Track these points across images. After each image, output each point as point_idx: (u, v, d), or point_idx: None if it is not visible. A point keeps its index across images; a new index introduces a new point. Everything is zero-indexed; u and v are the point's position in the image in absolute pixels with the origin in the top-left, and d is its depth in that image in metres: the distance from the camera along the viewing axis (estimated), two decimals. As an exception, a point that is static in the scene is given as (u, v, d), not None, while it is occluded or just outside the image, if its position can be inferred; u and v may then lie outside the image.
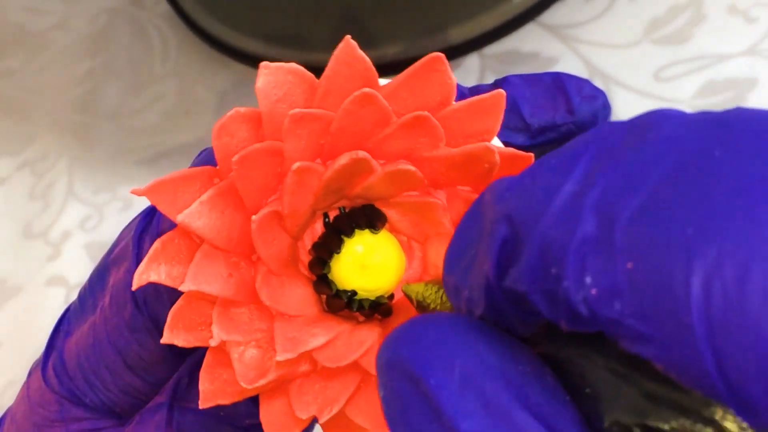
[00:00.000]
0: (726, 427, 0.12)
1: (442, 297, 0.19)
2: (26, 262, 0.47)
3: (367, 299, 0.22)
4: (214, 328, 0.20)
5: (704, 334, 0.11)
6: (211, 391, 0.20)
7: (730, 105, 0.29)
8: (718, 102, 0.42)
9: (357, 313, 0.22)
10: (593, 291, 0.12)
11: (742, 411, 0.11)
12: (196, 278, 0.20)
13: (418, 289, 0.20)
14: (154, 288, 0.24)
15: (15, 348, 0.45)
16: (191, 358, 0.24)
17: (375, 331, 0.22)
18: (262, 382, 0.20)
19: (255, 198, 0.21)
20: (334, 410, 0.21)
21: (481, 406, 0.13)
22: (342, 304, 0.22)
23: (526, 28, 0.46)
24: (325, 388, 0.21)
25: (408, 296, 0.21)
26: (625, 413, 0.12)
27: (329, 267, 0.22)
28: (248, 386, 0.20)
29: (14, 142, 0.51)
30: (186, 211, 0.20)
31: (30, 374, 0.27)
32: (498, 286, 0.14)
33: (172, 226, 0.22)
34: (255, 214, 0.21)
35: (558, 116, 0.25)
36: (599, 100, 0.26)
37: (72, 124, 0.51)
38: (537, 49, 0.45)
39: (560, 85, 0.26)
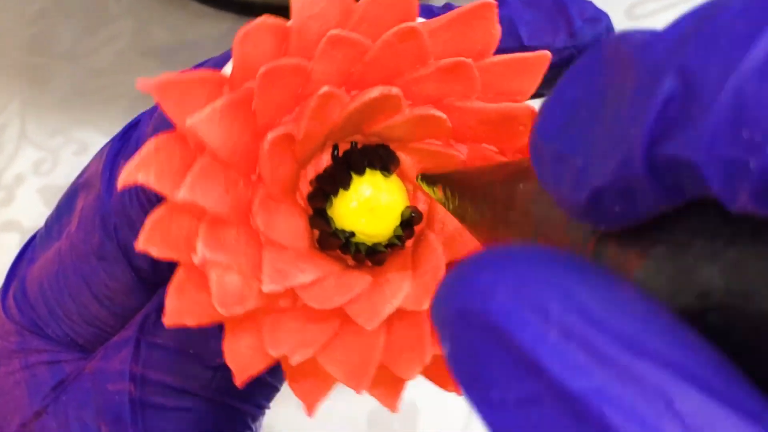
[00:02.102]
0: None
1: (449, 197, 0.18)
2: (-23, 207, 0.46)
3: (364, 243, 0.21)
4: (199, 245, 0.18)
5: None
6: (179, 308, 0.19)
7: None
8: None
9: (347, 257, 0.21)
10: None
11: None
12: (192, 188, 0.18)
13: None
14: (125, 214, 0.22)
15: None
16: (161, 292, 0.23)
17: (365, 279, 0.21)
18: (238, 310, 0.19)
19: (270, 115, 0.19)
20: (308, 354, 0.19)
21: (592, 360, 0.10)
22: (337, 243, 0.20)
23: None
24: (302, 330, 0.20)
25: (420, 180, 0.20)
26: None
27: (331, 202, 0.21)
28: (224, 312, 0.19)
29: (-37, 85, 0.49)
30: (196, 116, 0.18)
31: None
32: (647, 153, 0.11)
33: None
34: (265, 131, 0.19)
35: (558, 40, 0.24)
36: (602, 23, 0.24)
37: (24, 66, 0.49)
38: None
39: (561, 7, 0.24)
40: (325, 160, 0.21)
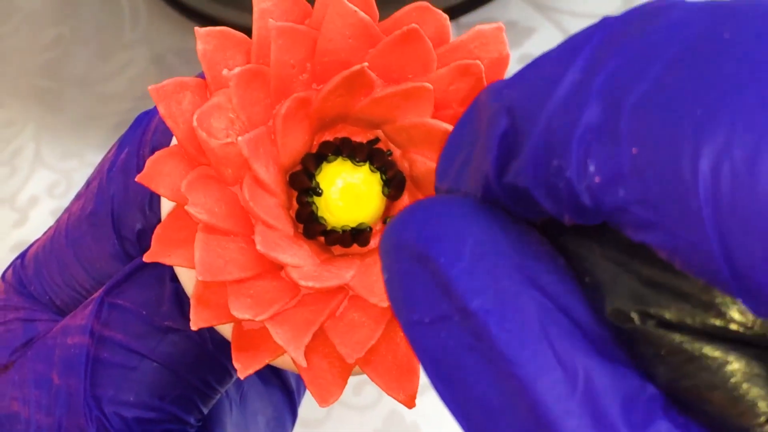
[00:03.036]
0: (726, 313, 0.11)
1: None
2: (-9, 228, 0.46)
3: (347, 226, 0.21)
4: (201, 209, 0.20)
5: (711, 217, 0.10)
6: (161, 249, 0.20)
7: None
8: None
9: (335, 247, 0.22)
10: (597, 179, 0.11)
11: (746, 297, 0.10)
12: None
13: None
14: (124, 187, 0.24)
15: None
16: (137, 260, 0.24)
17: (355, 263, 0.21)
18: (228, 277, 0.20)
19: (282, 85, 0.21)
20: (264, 316, 0.20)
21: (492, 284, 0.12)
22: (320, 228, 0.21)
23: (503, -4, 0.45)
24: (264, 292, 0.20)
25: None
26: (624, 300, 0.12)
27: (314, 196, 0.21)
28: (207, 277, 0.19)
29: (-21, 109, 0.50)
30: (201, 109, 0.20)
31: None
32: (498, 182, 0.13)
33: (163, 135, 0.23)
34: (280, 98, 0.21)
35: None
36: None
37: (39, 90, 0.50)
38: (514, 18, 0.45)
39: None
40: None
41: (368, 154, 0.21)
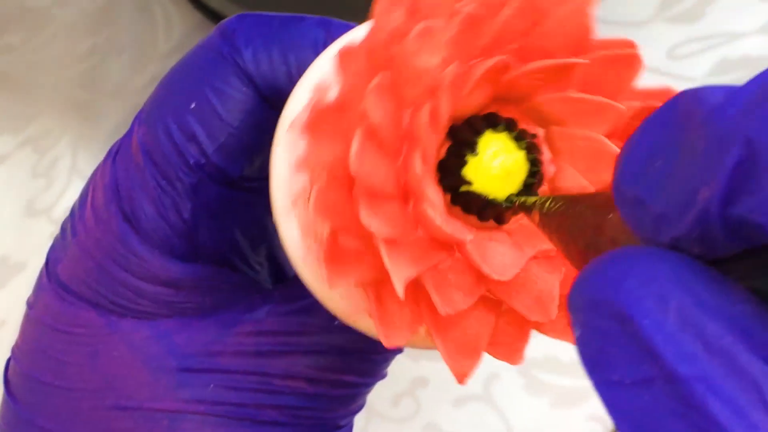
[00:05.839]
0: None
1: (546, 203, 0.19)
2: (29, 240, 0.47)
3: (483, 193, 0.21)
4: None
5: None
6: (315, 127, 0.20)
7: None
8: (733, 80, 0.41)
9: (472, 217, 0.22)
10: None
11: None
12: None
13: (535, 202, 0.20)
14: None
15: (18, 327, 0.44)
16: None
17: (506, 237, 0.22)
18: (373, 181, 0.20)
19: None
20: (386, 234, 0.20)
21: (702, 348, 0.12)
22: (480, 201, 0.21)
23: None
24: (392, 214, 0.21)
25: (516, 204, 0.20)
26: None
27: (464, 166, 0.21)
28: (359, 171, 0.20)
29: (16, 120, 0.51)
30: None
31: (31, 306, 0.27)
32: (721, 213, 0.12)
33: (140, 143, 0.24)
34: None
35: None
36: None
37: (75, 101, 0.50)
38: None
39: None
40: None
41: (529, 143, 0.22)
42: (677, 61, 0.43)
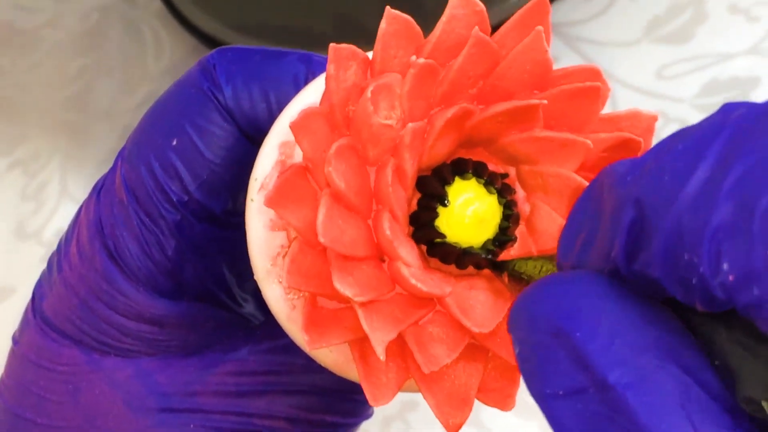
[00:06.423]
0: None
1: (541, 270, 0.19)
2: (19, 263, 0.47)
3: (458, 243, 0.21)
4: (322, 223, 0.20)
5: None
6: (279, 200, 0.20)
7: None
8: (721, 101, 0.41)
9: (450, 267, 0.22)
10: (731, 277, 0.12)
11: None
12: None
13: (523, 266, 0.20)
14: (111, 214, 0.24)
15: (6, 352, 0.44)
16: None
17: (450, 281, 0.21)
18: (341, 249, 0.20)
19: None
20: (363, 298, 0.20)
21: (630, 358, 0.13)
22: (456, 252, 0.21)
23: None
24: (365, 276, 0.21)
25: (512, 270, 0.20)
26: (755, 389, 0.12)
27: (436, 217, 0.21)
28: (327, 240, 0.19)
29: (5, 142, 0.51)
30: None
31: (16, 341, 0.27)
32: (627, 268, 0.14)
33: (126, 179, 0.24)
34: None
35: None
36: None
37: (64, 123, 0.50)
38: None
39: None
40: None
41: (501, 185, 0.22)
42: (666, 81, 0.43)
